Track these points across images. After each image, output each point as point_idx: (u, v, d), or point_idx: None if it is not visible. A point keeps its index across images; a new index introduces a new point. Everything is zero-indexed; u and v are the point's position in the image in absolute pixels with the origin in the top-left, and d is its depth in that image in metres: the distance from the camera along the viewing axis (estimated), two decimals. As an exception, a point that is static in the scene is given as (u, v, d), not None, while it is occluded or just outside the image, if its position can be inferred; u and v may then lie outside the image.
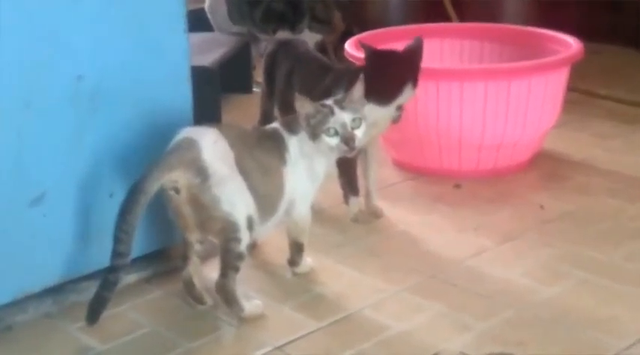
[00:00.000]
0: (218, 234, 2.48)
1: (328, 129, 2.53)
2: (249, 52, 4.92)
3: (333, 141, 2.54)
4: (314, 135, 2.55)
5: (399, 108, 3.01)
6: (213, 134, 2.47)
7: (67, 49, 2.46)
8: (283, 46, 3.39)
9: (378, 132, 3.09)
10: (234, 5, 5.03)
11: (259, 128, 2.72)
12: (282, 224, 2.70)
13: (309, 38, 4.92)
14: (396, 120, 3.05)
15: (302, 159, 2.60)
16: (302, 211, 2.68)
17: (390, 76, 2.97)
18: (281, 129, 2.62)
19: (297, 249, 2.76)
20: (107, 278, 2.36)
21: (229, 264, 2.46)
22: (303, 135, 2.58)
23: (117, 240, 2.33)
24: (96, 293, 2.37)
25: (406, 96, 2.99)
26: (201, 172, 2.40)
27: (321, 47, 5.03)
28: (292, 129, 2.61)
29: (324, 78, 3.11)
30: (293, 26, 5.00)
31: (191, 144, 2.42)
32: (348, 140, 2.54)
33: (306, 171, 2.62)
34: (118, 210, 2.33)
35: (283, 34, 4.96)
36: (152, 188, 2.36)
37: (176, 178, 2.39)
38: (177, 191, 2.42)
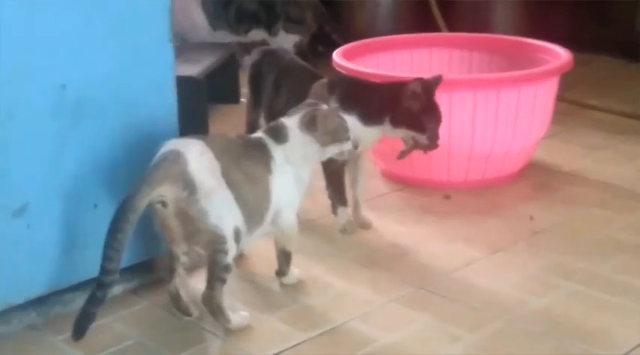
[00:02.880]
0: (205, 247, 2.46)
1: (348, 136, 2.65)
2: (237, 62, 4.90)
3: (348, 145, 2.67)
4: (332, 143, 2.65)
5: (409, 145, 3.02)
6: (199, 146, 2.44)
7: (50, 58, 2.43)
8: (268, 55, 3.39)
9: (362, 149, 3.09)
10: (210, 8, 5.01)
11: (244, 136, 2.70)
12: (269, 234, 2.69)
13: (286, 40, 4.91)
14: (399, 155, 3.06)
15: (288, 167, 2.60)
16: (289, 219, 2.67)
17: (367, 97, 3.02)
18: (266, 139, 2.61)
19: (284, 259, 2.74)
20: (94, 295, 2.31)
21: (216, 275, 2.44)
22: (288, 145, 2.59)
23: (106, 257, 2.29)
24: (82, 308, 2.32)
25: (387, 131, 3.01)
26: (188, 185, 2.37)
27: (300, 48, 5.02)
28: (277, 138, 2.61)
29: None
30: (268, 27, 4.98)
31: (177, 157, 2.39)
32: (355, 142, 2.68)
33: (293, 178, 2.62)
34: (108, 228, 2.29)
35: (257, 35, 4.93)
36: (142, 204, 2.32)
37: (163, 192, 2.37)
38: (164, 204, 2.39)
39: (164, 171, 2.37)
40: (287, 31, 5.02)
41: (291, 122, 2.63)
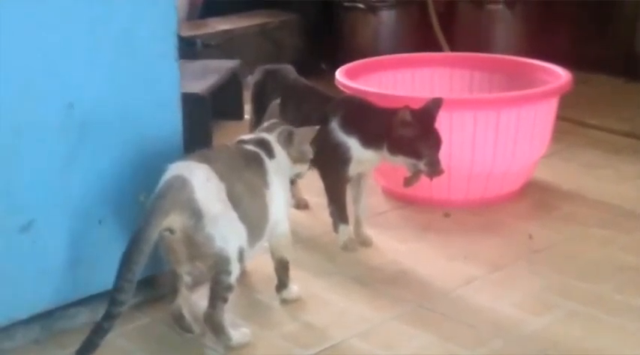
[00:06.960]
0: (209, 268, 2.46)
1: (310, 158, 2.83)
2: (241, 79, 4.92)
3: (306, 167, 2.84)
4: (299, 161, 2.77)
5: (413, 173, 3.03)
6: (204, 170, 2.44)
7: (57, 76, 2.46)
8: (271, 74, 3.41)
9: (363, 170, 3.15)
10: None
11: (240, 147, 2.68)
12: (266, 250, 2.72)
13: None
14: (405, 183, 3.07)
15: (277, 179, 2.65)
16: (284, 228, 2.72)
17: (367, 122, 3.06)
18: (261, 153, 2.65)
19: (283, 269, 2.77)
20: (101, 326, 2.27)
21: (218, 295, 2.45)
22: (276, 160, 2.67)
23: (119, 288, 2.27)
24: (87, 338, 2.28)
25: (387, 157, 3.03)
26: (195, 213, 2.38)
27: None
28: (269, 153, 2.67)
29: (321, 106, 3.14)
30: None
31: (183, 185, 2.38)
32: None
33: (282, 190, 2.67)
34: (121, 260, 2.28)
35: None
36: (153, 236, 2.32)
37: (172, 222, 2.37)
38: (171, 232, 2.40)
39: (171, 200, 2.36)
40: None
41: (271, 137, 2.71)
